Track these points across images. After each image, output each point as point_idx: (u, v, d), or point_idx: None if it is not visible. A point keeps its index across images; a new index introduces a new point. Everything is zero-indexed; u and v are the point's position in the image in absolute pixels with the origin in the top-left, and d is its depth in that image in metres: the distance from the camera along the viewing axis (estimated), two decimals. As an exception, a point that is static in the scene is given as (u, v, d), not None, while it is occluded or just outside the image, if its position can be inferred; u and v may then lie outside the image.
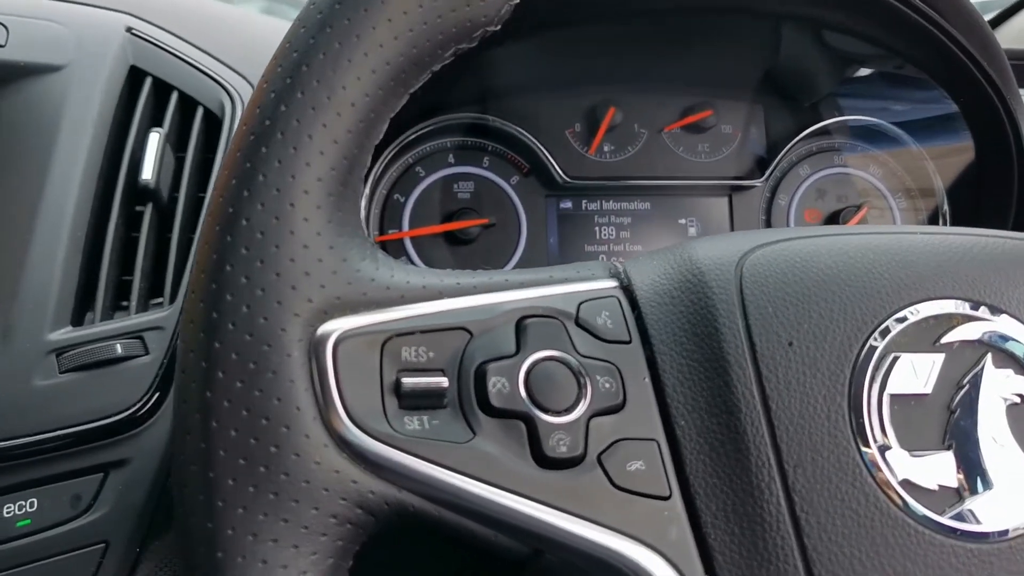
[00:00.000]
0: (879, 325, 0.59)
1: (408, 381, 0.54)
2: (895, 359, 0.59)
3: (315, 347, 0.53)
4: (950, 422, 0.58)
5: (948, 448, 0.57)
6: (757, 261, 0.62)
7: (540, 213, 1.22)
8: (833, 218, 1.25)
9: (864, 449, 0.56)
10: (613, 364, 0.58)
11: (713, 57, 1.22)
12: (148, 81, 1.02)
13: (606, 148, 1.25)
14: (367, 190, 1.17)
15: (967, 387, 0.59)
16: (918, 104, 1.23)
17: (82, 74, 0.99)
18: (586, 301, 0.60)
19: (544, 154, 1.20)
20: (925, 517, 0.55)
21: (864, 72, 1.25)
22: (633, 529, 0.54)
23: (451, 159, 1.21)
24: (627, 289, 0.63)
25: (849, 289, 0.60)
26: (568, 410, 0.56)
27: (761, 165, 1.26)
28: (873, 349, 0.59)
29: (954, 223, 1.25)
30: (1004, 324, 0.60)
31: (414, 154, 1.20)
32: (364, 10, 0.57)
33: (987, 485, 0.57)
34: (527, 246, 1.21)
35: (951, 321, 0.60)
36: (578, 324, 0.59)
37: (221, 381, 0.51)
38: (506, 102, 1.22)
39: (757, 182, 1.25)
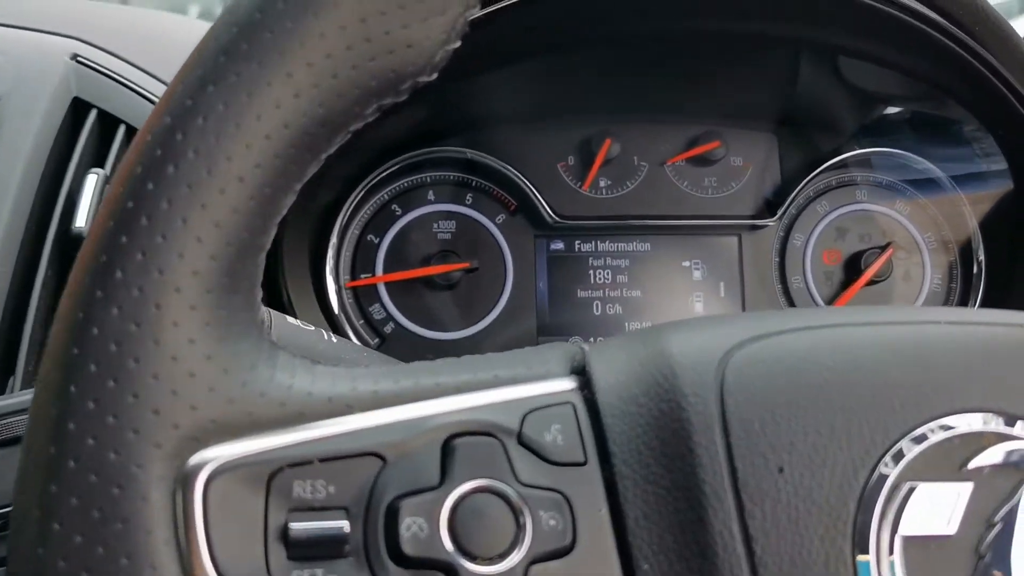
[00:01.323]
0: (891, 447, 0.48)
1: (299, 526, 0.44)
2: (911, 490, 0.47)
3: (181, 486, 0.43)
4: (979, 569, 0.47)
5: (980, 603, 0.46)
6: (743, 361, 0.51)
7: (528, 255, 1.11)
8: (855, 260, 1.13)
9: (871, 602, 0.45)
10: (562, 494, 0.47)
11: (722, 84, 1.11)
12: (92, 114, 0.93)
13: (602, 183, 1.14)
14: (338, 230, 1.07)
15: (1000, 526, 0.48)
16: (950, 135, 1.11)
17: (19, 105, 0.91)
18: (534, 411, 0.50)
19: (532, 191, 1.10)
20: None
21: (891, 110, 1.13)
22: None
23: (431, 196, 1.11)
24: (587, 391, 0.52)
25: (855, 400, 0.49)
26: (502, 556, 0.45)
27: (774, 202, 1.15)
28: (884, 478, 0.47)
29: (990, 271, 1.13)
30: (1046, 445, 0.48)
31: (390, 190, 1.10)
32: (257, 63, 0.46)
33: (1025, 653, 0.45)
34: (514, 292, 1.11)
35: (981, 441, 0.49)
36: (521, 442, 0.48)
37: (56, 535, 0.40)
38: (492, 133, 1.12)
39: (770, 221, 1.13)
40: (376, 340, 1.08)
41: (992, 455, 0.48)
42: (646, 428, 0.49)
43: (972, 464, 0.48)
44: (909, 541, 0.47)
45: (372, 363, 0.73)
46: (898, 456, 0.47)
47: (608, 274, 1.12)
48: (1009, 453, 0.48)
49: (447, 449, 0.47)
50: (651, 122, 1.15)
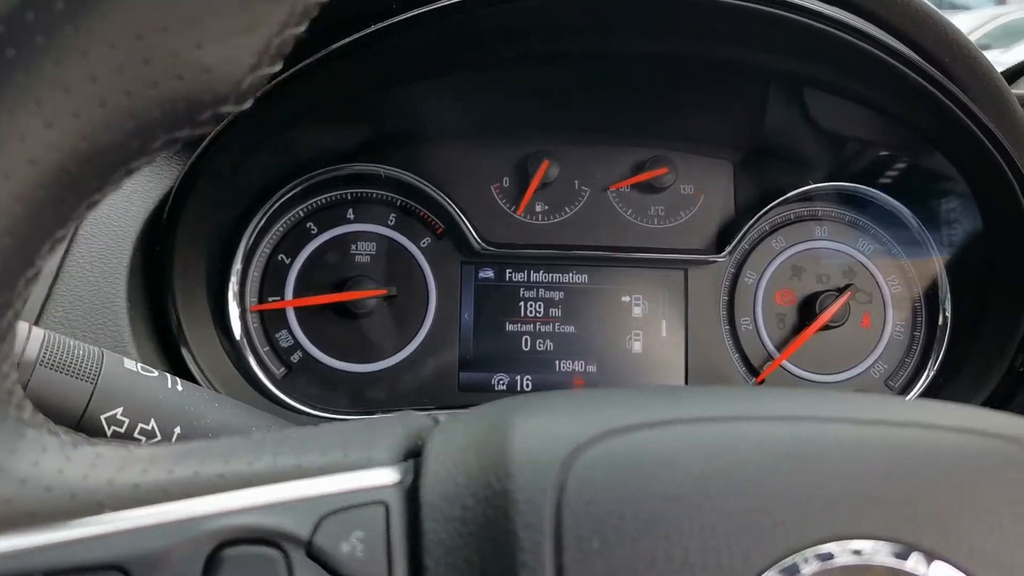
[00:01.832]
0: (758, 584, 0.39)
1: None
2: (777, 637, 0.39)
3: None
4: None
5: None
6: (591, 462, 0.42)
7: (454, 283, 1.02)
8: (810, 302, 1.04)
9: None
10: (352, 619, 0.39)
11: (675, 107, 1.02)
12: None
13: (539, 208, 1.05)
14: (244, 249, 0.98)
15: None
16: (919, 173, 1.02)
17: None
18: (334, 513, 0.41)
19: (458, 214, 1.01)
20: None
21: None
22: None
23: (350, 215, 1.02)
24: (415, 483, 0.43)
25: (716, 519, 0.40)
26: None
27: (725, 235, 1.06)
28: (747, 621, 0.39)
29: (957, 319, 1.03)
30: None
31: (306, 207, 1.01)
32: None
33: None
34: (436, 322, 1.02)
35: (867, 574, 0.40)
36: (310, 554, 0.40)
37: None
38: (423, 150, 1.03)
39: (719, 256, 1.04)
40: (282, 370, 0.99)
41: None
42: (469, 539, 0.41)
43: (856, 607, 0.39)
44: None
45: (221, 415, 0.64)
46: (764, 593, 0.39)
47: (540, 307, 1.03)
48: (902, 591, 0.40)
49: (213, 562, 0.39)
50: (596, 144, 1.06)
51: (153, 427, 0.59)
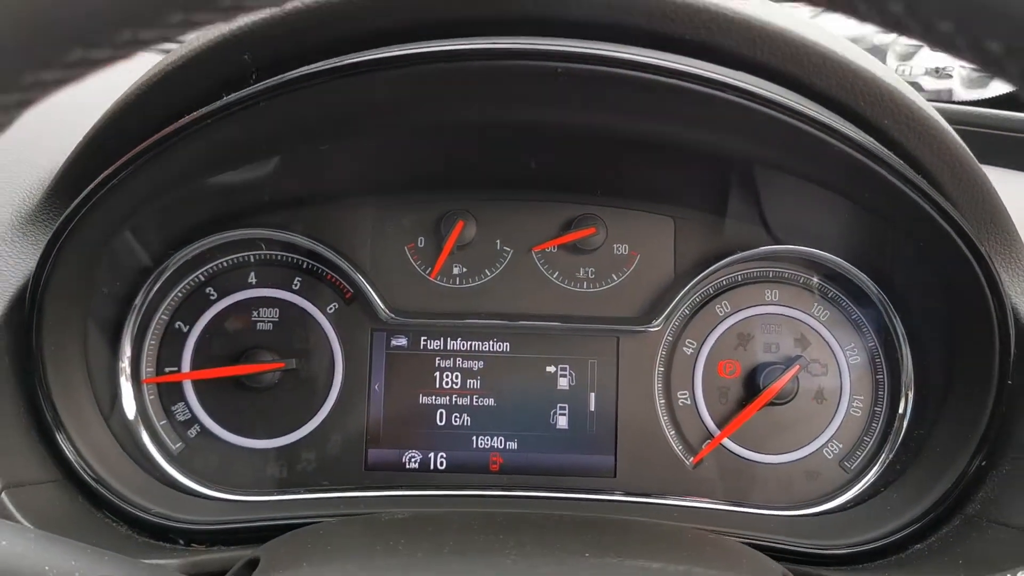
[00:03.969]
0: None
1: None
2: None
3: None
4: None
5: None
6: None
7: (363, 352, 0.95)
8: (756, 374, 0.95)
9: None
10: None
11: (606, 160, 0.93)
12: None
13: (456, 271, 0.97)
14: (139, 315, 0.92)
15: None
16: (884, 242, 0.92)
17: None
18: None
19: (363, 282, 0.94)
20: None
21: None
22: None
23: (252, 279, 0.96)
24: None
25: None
26: None
27: (663, 299, 0.96)
28: None
29: (920, 399, 0.93)
30: None
31: (206, 271, 0.95)
32: None
33: None
34: (343, 394, 0.95)
35: None
36: None
37: None
38: (329, 208, 0.95)
39: (654, 325, 0.95)
40: (180, 445, 0.94)
41: None
42: None
43: None
44: None
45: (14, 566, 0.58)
46: None
47: (457, 377, 0.96)
48: None
49: None
50: (519, 201, 0.97)
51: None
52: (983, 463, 0.84)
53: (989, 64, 0.35)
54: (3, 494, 0.74)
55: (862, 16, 0.35)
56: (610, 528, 0.78)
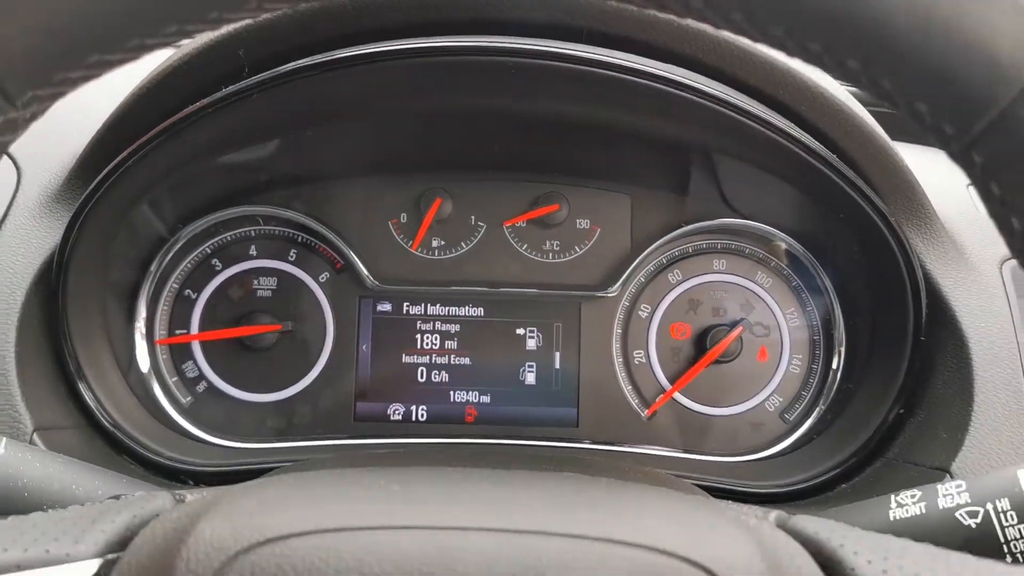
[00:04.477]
0: None
1: None
2: None
3: None
4: None
5: None
6: (241, 571, 0.46)
7: (352, 316, 1.07)
8: (704, 335, 1.05)
9: None
10: None
11: (568, 142, 1.03)
12: None
13: (435, 243, 1.08)
14: (152, 284, 1.04)
15: None
16: (818, 216, 1.02)
17: None
18: None
19: (351, 253, 1.05)
20: None
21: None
22: None
23: (253, 251, 1.07)
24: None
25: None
26: None
27: (621, 268, 1.07)
28: None
29: (849, 359, 1.03)
30: None
31: (212, 244, 1.07)
32: None
33: None
34: (333, 354, 1.06)
35: None
36: None
37: None
38: (324, 188, 1.07)
39: (612, 290, 1.06)
40: (189, 399, 1.05)
41: None
42: None
43: None
44: None
45: (41, 473, 0.70)
46: None
47: (436, 339, 1.07)
48: None
49: None
50: (491, 180, 1.08)
51: (-30, 488, 0.65)
52: (901, 412, 0.94)
53: (812, 62, 0.44)
54: (35, 435, 0.86)
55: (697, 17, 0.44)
56: (570, 458, 0.88)
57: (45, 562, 0.48)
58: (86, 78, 0.43)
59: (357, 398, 1.06)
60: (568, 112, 0.90)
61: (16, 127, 0.44)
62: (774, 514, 0.58)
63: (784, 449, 1.04)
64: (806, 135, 0.86)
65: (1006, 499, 0.66)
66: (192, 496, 0.56)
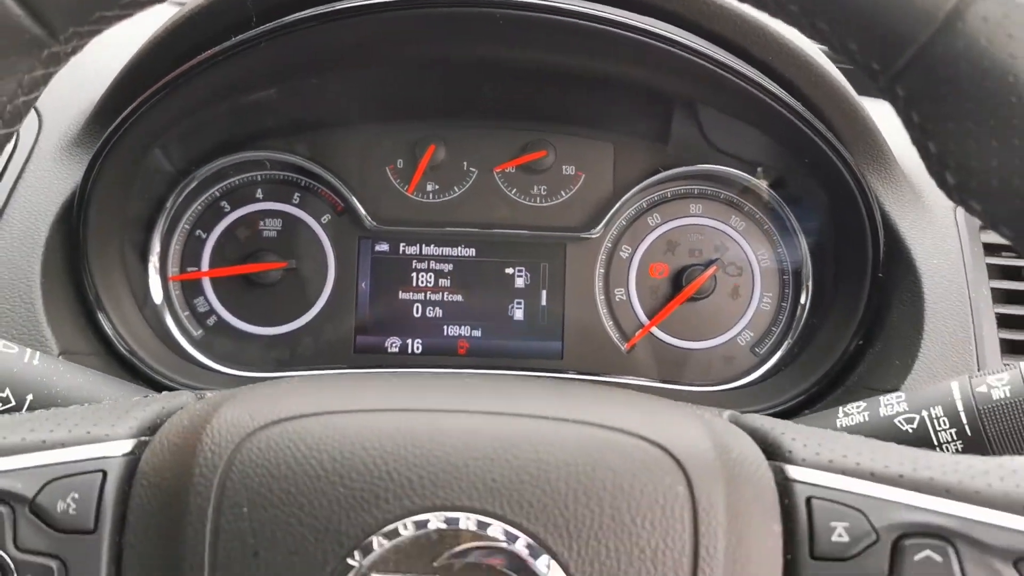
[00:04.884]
0: (362, 540, 0.51)
1: None
2: (375, 583, 0.50)
3: None
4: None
5: None
6: (259, 444, 0.54)
7: (352, 255, 1.14)
8: (681, 274, 1.13)
9: None
10: (59, 559, 0.52)
11: (556, 92, 1.10)
12: None
13: (429, 187, 1.15)
14: (163, 225, 1.11)
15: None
16: (788, 161, 1.09)
17: None
18: (57, 479, 0.54)
19: (350, 196, 1.12)
20: None
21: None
22: None
23: (259, 194, 1.14)
24: (135, 457, 0.56)
25: (342, 491, 0.52)
26: (-23, 623, 0.50)
27: (604, 212, 1.14)
28: (348, 568, 0.50)
29: (816, 297, 1.11)
30: (517, 548, 0.50)
31: (220, 188, 1.14)
32: None
33: None
34: (334, 291, 1.14)
35: (457, 539, 0.51)
36: (32, 510, 0.53)
37: None
38: (327, 135, 1.14)
39: (595, 232, 1.13)
40: (200, 331, 1.13)
41: (463, 553, 0.51)
42: (161, 502, 0.53)
43: (440, 561, 0.51)
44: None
45: (72, 383, 0.78)
46: (367, 549, 0.50)
47: (431, 277, 1.14)
48: (481, 552, 0.51)
49: None
50: (482, 128, 1.15)
51: (8, 395, 0.73)
52: (860, 343, 1.02)
53: (758, 6, 0.51)
54: (60, 357, 0.93)
55: None
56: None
57: (88, 440, 0.56)
58: (120, 17, 0.50)
59: (357, 332, 1.14)
60: (554, 61, 0.96)
61: (58, 60, 0.50)
62: (727, 412, 0.65)
63: (754, 380, 1.12)
64: (775, 84, 0.93)
65: (939, 407, 0.74)
66: (211, 394, 0.64)
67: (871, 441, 0.57)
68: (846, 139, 0.98)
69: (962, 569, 0.49)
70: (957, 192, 0.48)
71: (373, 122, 1.15)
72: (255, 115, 1.10)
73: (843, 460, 0.54)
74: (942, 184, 0.49)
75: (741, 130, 1.07)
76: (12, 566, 0.51)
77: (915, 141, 0.49)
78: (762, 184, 1.13)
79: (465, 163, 1.15)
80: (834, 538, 0.51)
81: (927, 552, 0.50)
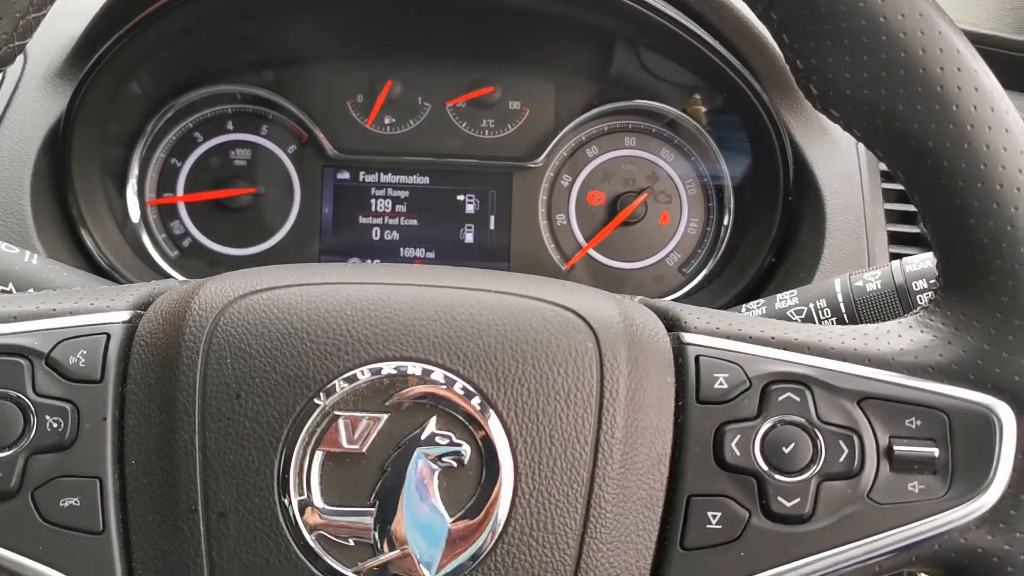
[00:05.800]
0: (326, 384, 0.62)
1: None
2: (335, 417, 0.62)
3: None
4: (380, 481, 0.62)
5: (372, 505, 0.61)
6: (240, 309, 0.64)
7: (316, 183, 1.24)
8: (615, 201, 1.25)
9: (284, 501, 0.60)
10: (72, 403, 0.62)
11: (503, 33, 1.20)
12: None
13: (387, 120, 1.25)
14: (140, 153, 1.21)
15: (403, 448, 0.62)
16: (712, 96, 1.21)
17: None
18: (68, 339, 0.64)
19: (312, 127, 1.22)
20: (332, 569, 0.59)
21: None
22: (57, 561, 0.60)
23: (230, 125, 1.24)
24: (133, 324, 0.66)
25: (310, 345, 0.63)
26: (8, 447, 0.61)
27: (546, 144, 1.25)
28: (314, 407, 0.62)
29: (736, 221, 1.23)
30: (455, 390, 0.62)
31: (194, 119, 1.23)
32: None
33: (400, 544, 0.60)
34: (300, 216, 1.24)
35: (405, 382, 0.63)
36: (48, 363, 0.63)
37: None
38: (289, 70, 1.23)
39: (538, 161, 1.25)
40: (176, 252, 1.23)
41: (409, 394, 0.62)
42: (158, 355, 0.64)
43: (393, 400, 0.62)
44: (328, 456, 0.61)
45: (68, 281, 0.88)
46: (331, 391, 0.62)
47: (388, 203, 1.25)
48: (424, 395, 0.62)
49: None
50: (436, 65, 1.25)
51: (11, 289, 0.83)
52: (773, 260, 1.15)
53: None
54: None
55: None
56: None
57: (92, 311, 0.66)
58: None
59: (321, 253, 1.24)
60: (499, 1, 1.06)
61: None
62: (639, 297, 0.77)
63: (681, 296, 1.24)
64: (694, 23, 1.04)
65: (824, 299, 0.87)
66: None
67: (756, 317, 0.70)
68: (760, 76, 1.10)
69: (815, 405, 0.61)
70: (819, 101, 0.60)
71: (336, 59, 1.24)
72: (228, 50, 1.19)
73: (728, 327, 0.66)
74: (808, 95, 0.61)
75: (667, 71, 1.18)
76: (32, 407, 0.61)
77: (787, 59, 0.61)
78: (700, 109, 1.24)
79: (420, 98, 1.25)
80: (716, 386, 0.63)
81: (788, 393, 0.62)
